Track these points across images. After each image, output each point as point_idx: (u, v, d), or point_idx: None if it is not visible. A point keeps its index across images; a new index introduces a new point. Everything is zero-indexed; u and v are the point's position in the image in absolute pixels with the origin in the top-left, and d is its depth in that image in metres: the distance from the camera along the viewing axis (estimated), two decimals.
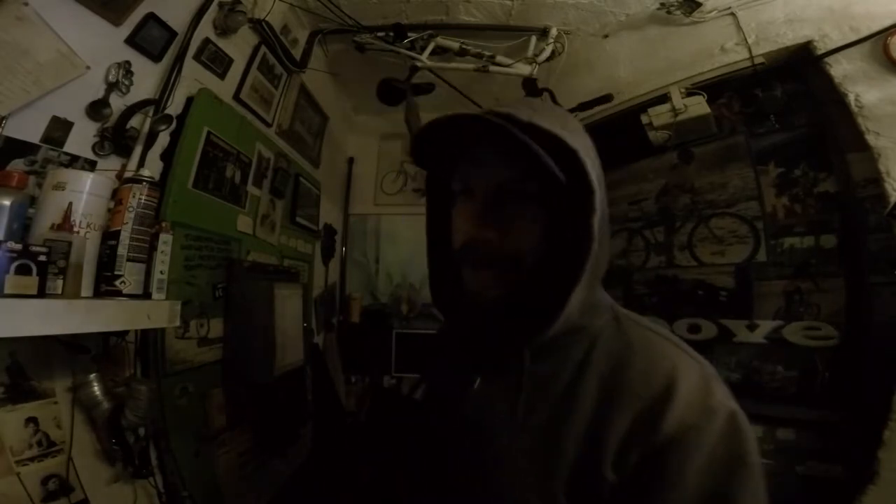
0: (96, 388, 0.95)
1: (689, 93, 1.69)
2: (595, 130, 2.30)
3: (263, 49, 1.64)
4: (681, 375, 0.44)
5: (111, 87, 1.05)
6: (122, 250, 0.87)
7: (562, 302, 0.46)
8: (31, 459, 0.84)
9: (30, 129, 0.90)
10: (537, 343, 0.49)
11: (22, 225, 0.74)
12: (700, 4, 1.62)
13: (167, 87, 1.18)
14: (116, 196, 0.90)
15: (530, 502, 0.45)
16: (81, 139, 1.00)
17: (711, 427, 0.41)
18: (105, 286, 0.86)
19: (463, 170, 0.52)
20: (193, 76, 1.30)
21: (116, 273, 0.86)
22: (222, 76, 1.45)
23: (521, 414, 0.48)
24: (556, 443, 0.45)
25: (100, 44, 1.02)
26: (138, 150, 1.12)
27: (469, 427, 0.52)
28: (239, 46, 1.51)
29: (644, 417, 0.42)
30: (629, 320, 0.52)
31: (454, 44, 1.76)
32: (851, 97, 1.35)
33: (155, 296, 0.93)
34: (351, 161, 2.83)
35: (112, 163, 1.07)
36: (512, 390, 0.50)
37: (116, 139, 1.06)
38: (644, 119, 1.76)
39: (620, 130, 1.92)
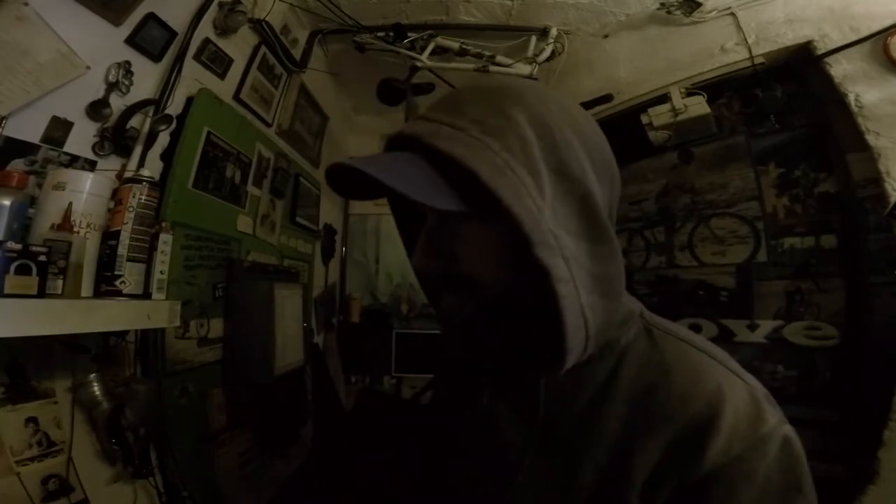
0: (96, 388, 0.95)
1: (689, 93, 1.69)
2: None
3: (263, 49, 1.64)
4: (726, 398, 0.38)
5: (111, 87, 1.05)
6: (122, 250, 0.87)
7: (560, 353, 0.39)
8: (31, 459, 0.84)
9: (30, 129, 0.89)
10: (551, 377, 0.44)
11: (22, 225, 0.74)
12: (700, 4, 1.62)
13: (167, 87, 1.18)
14: (116, 196, 0.90)
15: None
16: (81, 139, 1.00)
17: (763, 457, 0.36)
18: (105, 286, 0.86)
19: None
20: (193, 76, 1.30)
21: (116, 273, 0.86)
22: (222, 76, 1.45)
23: (536, 440, 0.44)
24: (573, 472, 0.41)
25: (100, 44, 1.02)
26: (138, 150, 1.12)
27: (477, 440, 0.49)
28: (239, 46, 1.51)
29: (681, 446, 0.37)
30: (662, 331, 0.45)
31: (454, 44, 1.76)
32: (851, 97, 1.35)
33: (155, 296, 0.93)
34: None
35: (112, 163, 1.06)
36: (524, 408, 0.45)
37: (116, 139, 1.06)
38: (644, 119, 1.76)
39: (620, 130, 1.92)
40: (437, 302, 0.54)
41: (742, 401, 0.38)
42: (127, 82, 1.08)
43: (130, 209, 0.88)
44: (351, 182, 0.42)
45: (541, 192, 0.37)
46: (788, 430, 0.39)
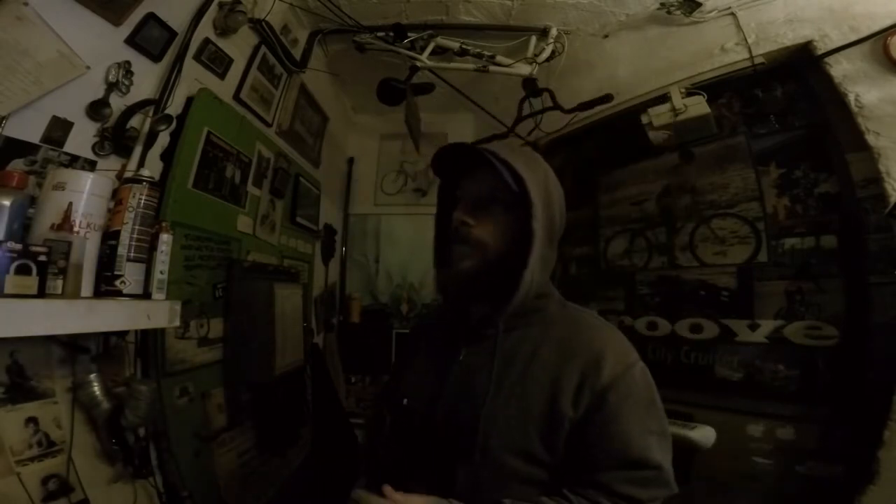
0: (96, 388, 0.95)
1: (689, 93, 1.69)
2: (595, 130, 2.24)
3: (263, 49, 1.64)
4: (609, 341, 0.68)
5: (111, 87, 1.05)
6: (122, 250, 0.87)
7: (518, 280, 0.65)
8: (32, 459, 0.84)
9: (30, 129, 0.90)
10: (508, 313, 0.68)
11: (22, 225, 0.74)
12: (700, 4, 1.62)
13: (167, 87, 1.18)
14: (116, 196, 0.90)
15: (514, 443, 0.63)
16: (81, 139, 1.00)
17: (632, 376, 0.65)
18: (105, 286, 0.86)
19: (464, 183, 0.76)
20: (193, 76, 1.30)
21: (116, 273, 0.86)
22: (222, 76, 1.45)
23: (496, 372, 0.67)
24: (527, 392, 0.65)
25: (100, 44, 1.02)
26: (138, 150, 1.12)
27: (457, 383, 0.70)
28: (239, 46, 1.51)
29: (590, 369, 0.64)
30: (571, 307, 0.76)
31: (454, 44, 1.76)
32: (851, 97, 1.34)
33: (155, 296, 0.93)
34: (351, 161, 2.83)
35: (112, 163, 1.07)
36: (490, 357, 0.69)
37: (116, 139, 1.06)
38: (644, 119, 1.76)
39: (620, 130, 1.92)
40: (440, 284, 0.79)
41: (617, 344, 0.68)
42: (127, 82, 1.09)
43: (130, 209, 0.88)
44: (450, 161, 0.77)
45: (542, 203, 0.68)
46: (642, 363, 0.67)
